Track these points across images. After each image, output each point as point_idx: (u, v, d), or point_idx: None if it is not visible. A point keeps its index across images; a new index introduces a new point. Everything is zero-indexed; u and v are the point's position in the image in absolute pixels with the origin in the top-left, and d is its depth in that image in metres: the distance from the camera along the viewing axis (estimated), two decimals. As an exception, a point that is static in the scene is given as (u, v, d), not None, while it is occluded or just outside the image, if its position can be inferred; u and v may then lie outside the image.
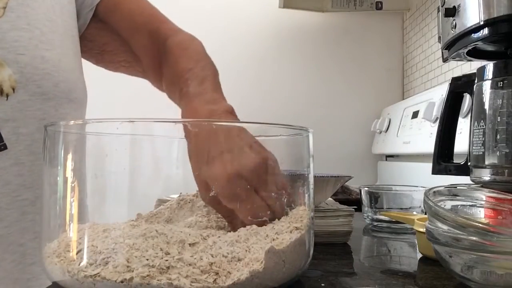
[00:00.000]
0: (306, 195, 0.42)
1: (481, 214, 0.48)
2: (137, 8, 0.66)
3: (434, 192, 0.44)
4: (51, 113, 0.54)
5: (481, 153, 0.58)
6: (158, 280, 0.30)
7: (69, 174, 0.36)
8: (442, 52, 0.67)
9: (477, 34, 0.57)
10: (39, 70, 0.52)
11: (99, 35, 0.67)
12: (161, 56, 0.61)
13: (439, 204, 0.40)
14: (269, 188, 0.40)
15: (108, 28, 0.66)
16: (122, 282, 0.30)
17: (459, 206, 0.47)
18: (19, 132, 0.51)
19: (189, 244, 0.34)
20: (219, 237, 0.36)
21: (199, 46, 0.61)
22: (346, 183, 0.76)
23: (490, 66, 0.59)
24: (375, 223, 0.73)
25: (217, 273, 0.31)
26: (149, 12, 0.66)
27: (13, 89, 0.50)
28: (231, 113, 0.48)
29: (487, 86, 0.59)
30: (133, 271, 0.30)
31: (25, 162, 0.51)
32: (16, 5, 0.52)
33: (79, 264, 0.33)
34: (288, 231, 0.37)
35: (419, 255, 0.52)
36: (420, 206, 0.72)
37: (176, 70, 0.57)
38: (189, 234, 0.35)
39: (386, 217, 0.69)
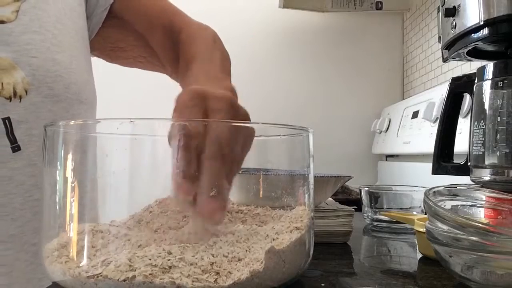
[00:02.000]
0: (306, 195, 0.42)
1: (481, 214, 0.48)
2: (149, 3, 0.67)
3: (434, 192, 0.44)
4: (62, 114, 0.54)
5: (481, 153, 0.58)
6: (160, 279, 0.30)
7: (69, 174, 0.36)
8: (442, 52, 0.67)
9: (477, 34, 0.57)
10: (50, 72, 0.53)
11: (113, 32, 0.68)
12: (176, 49, 0.62)
13: (439, 204, 0.40)
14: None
15: (121, 24, 0.67)
16: (124, 280, 0.30)
17: (459, 206, 0.47)
18: (31, 133, 0.51)
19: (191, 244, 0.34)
20: (219, 237, 0.36)
21: (209, 37, 0.61)
22: (346, 183, 0.76)
23: (490, 66, 0.59)
24: (375, 223, 0.73)
25: (217, 273, 0.31)
26: (161, 5, 0.67)
27: (26, 91, 0.51)
28: (230, 91, 0.47)
29: (487, 86, 0.59)
30: (135, 270, 0.30)
31: (38, 163, 0.52)
32: (28, 8, 0.52)
33: (80, 264, 0.33)
34: (288, 231, 0.37)
35: (419, 255, 0.52)
36: (420, 206, 0.72)
37: (184, 59, 0.57)
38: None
39: (386, 217, 0.69)
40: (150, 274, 0.30)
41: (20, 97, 0.50)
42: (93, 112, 0.63)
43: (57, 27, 0.55)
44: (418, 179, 1.07)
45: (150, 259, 0.31)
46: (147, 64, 0.71)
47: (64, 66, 0.55)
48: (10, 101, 0.50)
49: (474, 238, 0.34)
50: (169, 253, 0.32)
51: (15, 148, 0.50)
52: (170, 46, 0.63)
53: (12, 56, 0.50)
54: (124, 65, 0.73)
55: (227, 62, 0.56)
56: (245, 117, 0.40)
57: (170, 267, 0.31)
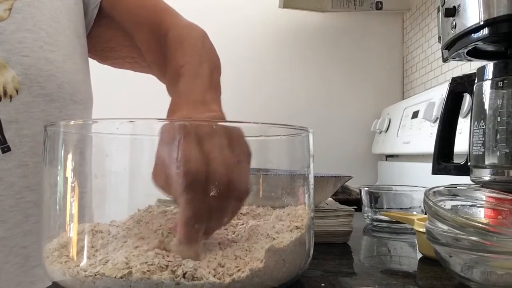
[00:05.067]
0: (306, 195, 0.42)
1: (481, 214, 0.48)
2: (138, 0, 0.65)
3: (434, 192, 0.44)
4: (55, 114, 0.53)
5: (481, 153, 0.58)
6: (158, 276, 0.30)
7: (69, 174, 0.36)
8: (442, 52, 0.67)
9: (477, 34, 0.57)
10: (43, 71, 0.52)
11: (103, 32, 0.67)
12: (163, 50, 0.60)
13: (439, 204, 0.40)
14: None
15: (111, 24, 0.65)
16: (121, 277, 0.30)
17: (459, 206, 0.47)
18: (22, 133, 0.50)
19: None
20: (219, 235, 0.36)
21: (197, 39, 0.58)
22: (346, 183, 0.76)
23: (490, 66, 0.59)
24: (375, 223, 0.73)
25: (217, 271, 0.31)
26: (151, 3, 0.65)
27: (17, 91, 0.50)
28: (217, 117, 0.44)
29: (487, 86, 0.59)
30: (132, 268, 0.30)
31: (29, 164, 0.51)
32: (21, 7, 0.52)
33: (79, 264, 0.33)
34: (289, 230, 0.37)
35: (419, 255, 0.52)
36: (420, 206, 0.72)
37: (171, 67, 0.55)
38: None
39: (386, 217, 0.69)
40: (147, 271, 0.30)
41: (11, 97, 0.49)
42: (88, 113, 0.62)
43: (51, 25, 0.54)
44: (418, 179, 1.07)
45: (147, 258, 0.31)
46: (135, 65, 0.69)
47: (57, 66, 0.54)
48: (0, 100, 0.49)
49: (474, 238, 0.34)
50: (166, 250, 0.32)
51: (5, 148, 0.49)
52: (156, 46, 0.61)
53: (2, 55, 0.49)
54: (114, 66, 0.72)
55: (215, 72, 0.53)
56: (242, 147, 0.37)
57: (167, 266, 0.31)
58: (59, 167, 0.37)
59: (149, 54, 0.64)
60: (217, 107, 0.47)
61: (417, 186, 0.75)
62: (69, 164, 0.36)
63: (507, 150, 0.54)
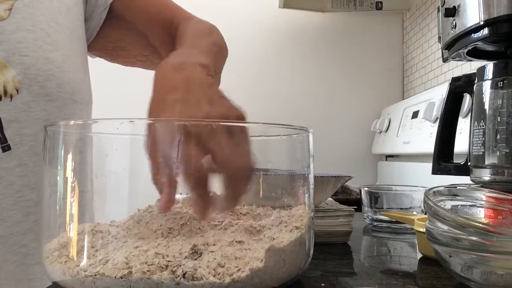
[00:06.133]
0: (306, 195, 0.42)
1: (481, 214, 0.48)
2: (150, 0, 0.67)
3: (434, 192, 0.44)
4: (55, 114, 0.54)
5: (481, 153, 0.58)
6: (158, 275, 0.30)
7: (69, 174, 0.36)
8: (442, 52, 0.67)
9: (477, 34, 0.57)
10: (42, 71, 0.52)
11: (112, 32, 0.68)
12: (175, 44, 0.62)
13: (439, 204, 0.40)
14: (215, 137, 0.35)
15: (121, 23, 0.67)
16: (121, 277, 0.30)
17: (459, 206, 0.47)
18: (23, 133, 0.51)
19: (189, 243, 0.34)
20: (220, 237, 0.36)
21: (205, 28, 0.61)
22: (346, 183, 0.76)
23: (490, 66, 0.59)
24: (375, 223, 0.73)
25: (217, 271, 0.31)
26: (162, 2, 0.68)
27: (17, 90, 0.50)
28: (203, 67, 0.44)
29: (487, 86, 0.59)
30: (131, 268, 0.30)
31: (29, 163, 0.51)
32: (21, 7, 0.52)
33: (79, 264, 0.33)
34: (288, 230, 0.37)
35: (419, 255, 0.52)
36: (420, 206, 0.72)
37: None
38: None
39: (386, 217, 0.69)
40: (147, 271, 0.30)
41: (11, 96, 0.50)
42: (88, 112, 0.63)
43: (51, 25, 0.55)
44: (418, 179, 1.07)
45: (147, 258, 0.31)
46: (148, 62, 0.71)
47: (57, 65, 0.54)
48: (1, 100, 0.49)
49: (474, 238, 0.34)
50: (166, 250, 0.32)
51: (5, 147, 0.49)
52: (170, 41, 0.63)
53: (3, 55, 0.49)
54: (125, 64, 0.73)
55: (215, 48, 0.54)
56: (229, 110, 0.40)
57: (167, 266, 0.31)
58: (59, 167, 0.37)
59: (163, 49, 0.66)
60: (205, 58, 0.47)
61: (417, 186, 0.75)
62: (69, 164, 0.36)
63: (507, 150, 0.54)
